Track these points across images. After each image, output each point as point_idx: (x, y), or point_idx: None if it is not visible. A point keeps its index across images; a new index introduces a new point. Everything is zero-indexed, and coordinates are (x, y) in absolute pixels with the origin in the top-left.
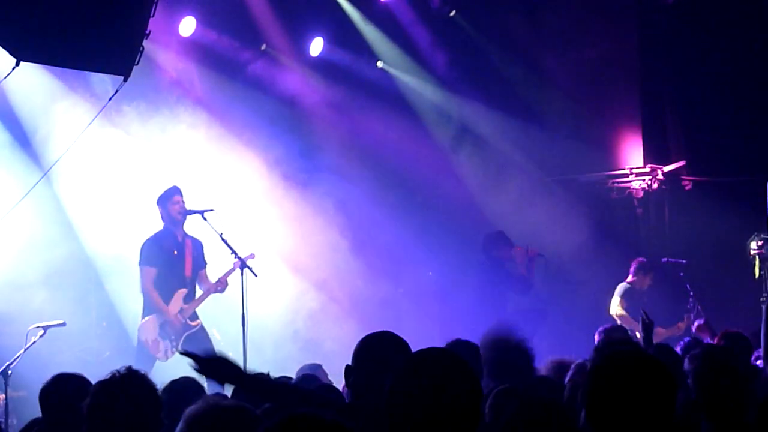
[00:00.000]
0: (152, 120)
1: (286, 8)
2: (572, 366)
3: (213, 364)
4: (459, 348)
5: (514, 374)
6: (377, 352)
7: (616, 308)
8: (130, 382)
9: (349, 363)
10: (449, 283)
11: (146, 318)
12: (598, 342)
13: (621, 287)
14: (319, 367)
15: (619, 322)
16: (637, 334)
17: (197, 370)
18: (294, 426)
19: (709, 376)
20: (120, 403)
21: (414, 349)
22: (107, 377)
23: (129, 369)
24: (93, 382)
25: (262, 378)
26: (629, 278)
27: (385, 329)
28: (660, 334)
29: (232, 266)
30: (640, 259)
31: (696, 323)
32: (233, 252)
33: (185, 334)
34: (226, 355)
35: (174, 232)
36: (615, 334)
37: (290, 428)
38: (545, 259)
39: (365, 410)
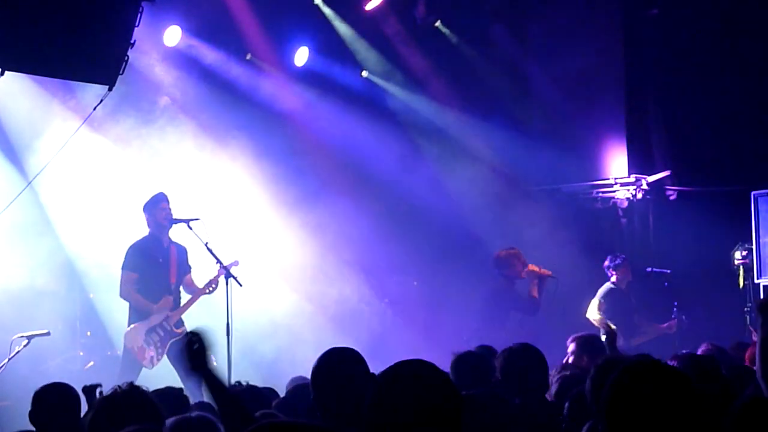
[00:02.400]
0: (137, 129)
1: (271, 18)
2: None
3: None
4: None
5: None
6: (331, 369)
7: (593, 312)
8: (132, 399)
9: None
10: (434, 294)
11: (132, 325)
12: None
13: (603, 288)
14: (307, 379)
15: (596, 325)
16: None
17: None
18: None
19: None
20: (122, 419)
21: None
22: (109, 393)
23: (131, 385)
24: (77, 390)
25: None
26: (613, 278)
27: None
28: (650, 332)
29: (216, 274)
30: (609, 256)
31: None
32: (218, 261)
33: (171, 341)
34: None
35: (160, 238)
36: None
37: None
38: (557, 281)
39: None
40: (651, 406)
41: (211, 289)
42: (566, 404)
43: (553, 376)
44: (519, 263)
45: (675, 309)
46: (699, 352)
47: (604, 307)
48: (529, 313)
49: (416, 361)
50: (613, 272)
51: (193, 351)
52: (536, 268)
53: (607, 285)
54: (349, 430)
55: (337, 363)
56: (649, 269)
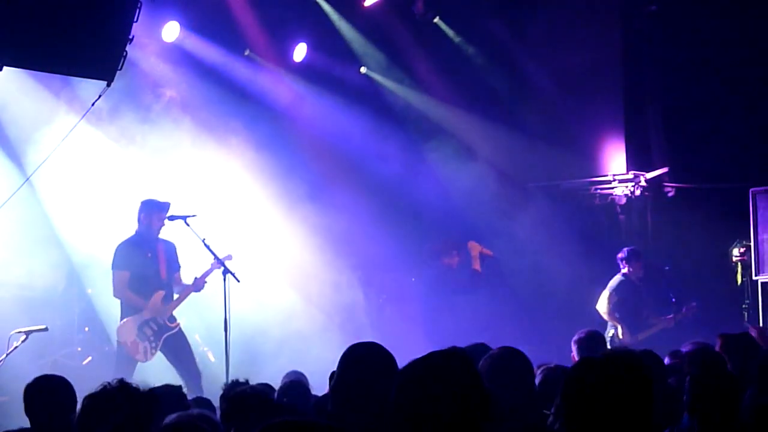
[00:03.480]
0: (135, 125)
1: (269, 14)
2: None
3: None
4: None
5: None
6: (362, 361)
7: (602, 304)
8: (121, 395)
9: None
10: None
11: (124, 320)
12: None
13: (614, 280)
14: (301, 374)
15: (605, 318)
16: (619, 333)
17: None
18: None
19: (704, 381)
20: (111, 416)
21: (397, 356)
22: (97, 390)
23: (120, 381)
24: (75, 386)
25: None
26: (624, 270)
27: (372, 336)
28: (654, 326)
29: (209, 267)
30: (625, 248)
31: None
32: (216, 258)
33: (164, 336)
34: None
35: (147, 237)
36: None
37: None
38: (497, 261)
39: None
40: (600, 395)
41: (197, 288)
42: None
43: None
44: (453, 249)
45: (673, 305)
46: (684, 349)
47: (615, 300)
48: (470, 292)
49: (443, 351)
50: (626, 264)
51: None
52: (477, 244)
53: (618, 277)
54: (369, 426)
55: (363, 355)
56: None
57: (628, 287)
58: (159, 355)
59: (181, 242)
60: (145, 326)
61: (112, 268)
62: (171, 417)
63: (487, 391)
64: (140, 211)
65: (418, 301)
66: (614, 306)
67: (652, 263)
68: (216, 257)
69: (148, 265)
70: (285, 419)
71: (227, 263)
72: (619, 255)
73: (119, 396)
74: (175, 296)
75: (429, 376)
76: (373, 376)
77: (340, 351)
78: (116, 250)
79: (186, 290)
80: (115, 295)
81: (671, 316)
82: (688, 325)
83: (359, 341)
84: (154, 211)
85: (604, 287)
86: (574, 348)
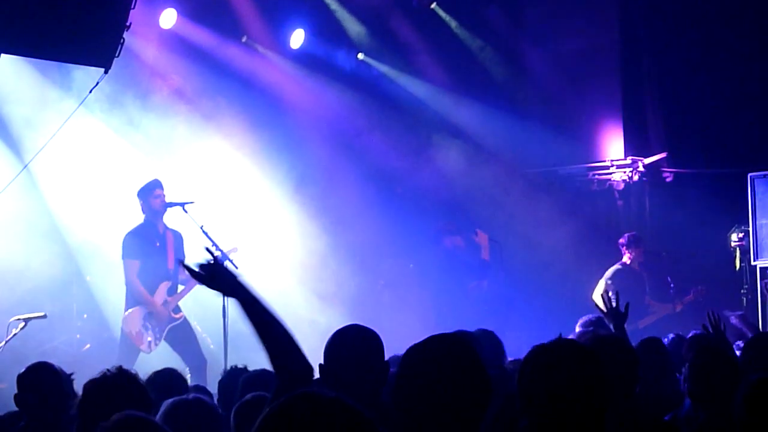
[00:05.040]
0: (133, 112)
1: (266, 0)
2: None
3: (211, 273)
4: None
5: None
6: (345, 346)
7: (597, 296)
8: (120, 382)
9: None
10: (430, 276)
11: (130, 310)
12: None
13: (612, 269)
14: None
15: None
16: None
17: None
18: (296, 407)
19: (706, 367)
20: (111, 402)
21: (396, 341)
22: (98, 377)
23: (119, 368)
24: (74, 373)
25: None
26: (625, 257)
27: (370, 322)
28: (656, 312)
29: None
30: (626, 234)
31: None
32: (214, 244)
33: (169, 326)
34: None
35: (155, 224)
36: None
37: (292, 410)
38: (499, 245)
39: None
40: (554, 379)
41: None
42: None
43: None
44: (456, 232)
45: (671, 290)
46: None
47: (612, 288)
48: (481, 277)
49: (443, 335)
50: (626, 251)
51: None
52: (484, 234)
53: (616, 265)
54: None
55: (344, 341)
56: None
57: (628, 275)
58: (162, 344)
59: (182, 230)
60: (150, 316)
61: (122, 257)
62: (168, 402)
63: (487, 375)
64: (139, 201)
65: (423, 284)
66: (613, 295)
67: (651, 248)
68: (215, 244)
69: (156, 255)
70: (309, 391)
71: (232, 255)
72: (621, 240)
73: (119, 382)
74: (180, 288)
75: (429, 360)
76: (361, 357)
77: None
78: (124, 239)
79: (191, 283)
80: (126, 284)
81: (673, 303)
82: (688, 310)
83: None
84: (147, 194)
85: (603, 272)
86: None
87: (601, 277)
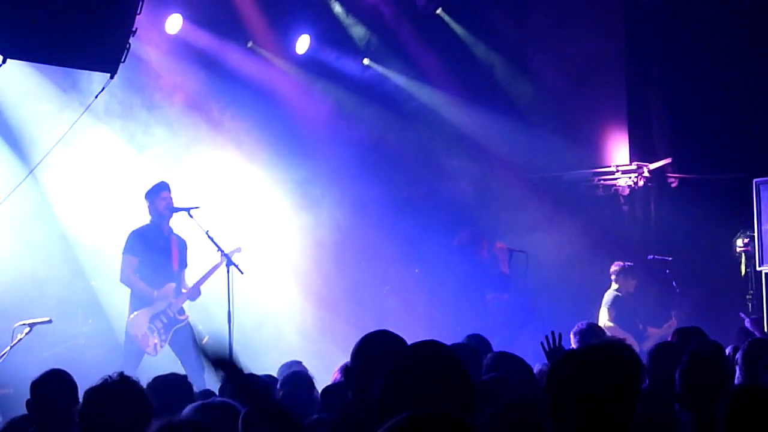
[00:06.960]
0: (138, 117)
1: (272, 6)
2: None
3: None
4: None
5: None
6: (372, 351)
7: (604, 320)
8: (121, 388)
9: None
10: (435, 281)
11: (135, 313)
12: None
13: (608, 296)
14: (299, 363)
15: (608, 333)
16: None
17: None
18: (418, 425)
19: (693, 373)
20: (111, 409)
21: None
22: (98, 383)
23: (121, 375)
24: (79, 379)
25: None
26: (614, 286)
27: (375, 327)
28: (653, 335)
29: (219, 261)
30: (618, 263)
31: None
32: (219, 249)
33: (174, 329)
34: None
35: (160, 226)
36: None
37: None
38: (526, 255)
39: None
40: (581, 388)
41: (194, 294)
42: None
43: None
44: (482, 242)
45: (677, 296)
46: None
47: (613, 315)
48: (502, 290)
49: (424, 342)
50: (619, 279)
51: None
52: (504, 245)
53: (612, 292)
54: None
55: (371, 346)
56: (650, 257)
57: (621, 302)
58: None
59: (187, 235)
60: (155, 319)
61: (122, 252)
62: (192, 406)
63: (470, 382)
64: (146, 202)
65: (432, 290)
66: (614, 319)
67: (656, 254)
68: (220, 249)
69: (160, 256)
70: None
71: (236, 255)
72: (613, 268)
73: (120, 389)
74: (183, 290)
75: (408, 369)
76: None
77: (343, 342)
78: (129, 235)
79: (189, 291)
80: (121, 281)
81: (666, 325)
82: (692, 316)
83: (368, 332)
84: (154, 196)
85: (607, 279)
86: (573, 340)
87: (606, 281)
